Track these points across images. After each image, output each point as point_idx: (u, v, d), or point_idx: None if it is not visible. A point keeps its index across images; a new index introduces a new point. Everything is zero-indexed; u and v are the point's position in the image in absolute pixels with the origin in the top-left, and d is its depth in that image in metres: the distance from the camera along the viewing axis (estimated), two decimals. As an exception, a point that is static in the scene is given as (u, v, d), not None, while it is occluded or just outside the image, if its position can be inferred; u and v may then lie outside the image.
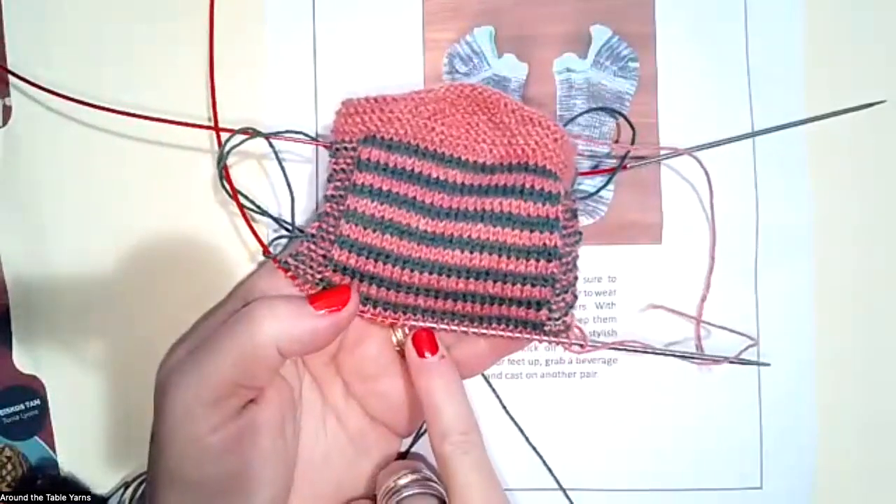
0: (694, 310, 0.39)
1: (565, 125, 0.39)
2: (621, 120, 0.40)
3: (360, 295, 0.34)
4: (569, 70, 0.40)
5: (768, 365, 0.39)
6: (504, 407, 0.40)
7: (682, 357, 0.38)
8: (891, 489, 0.40)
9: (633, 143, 0.39)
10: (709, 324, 0.39)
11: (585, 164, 0.40)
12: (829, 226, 0.40)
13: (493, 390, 0.40)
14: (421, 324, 0.35)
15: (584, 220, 0.40)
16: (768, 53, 0.40)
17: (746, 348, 0.38)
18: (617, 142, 0.40)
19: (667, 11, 0.40)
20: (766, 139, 0.39)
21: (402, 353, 0.36)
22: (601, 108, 0.40)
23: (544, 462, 0.40)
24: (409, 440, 0.39)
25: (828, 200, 0.40)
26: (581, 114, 0.39)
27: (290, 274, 0.35)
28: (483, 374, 0.40)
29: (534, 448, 0.40)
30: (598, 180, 0.39)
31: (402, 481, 0.34)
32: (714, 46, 0.40)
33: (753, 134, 0.39)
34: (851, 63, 0.40)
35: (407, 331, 0.35)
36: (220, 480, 0.32)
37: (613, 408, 0.40)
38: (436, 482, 0.35)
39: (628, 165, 0.39)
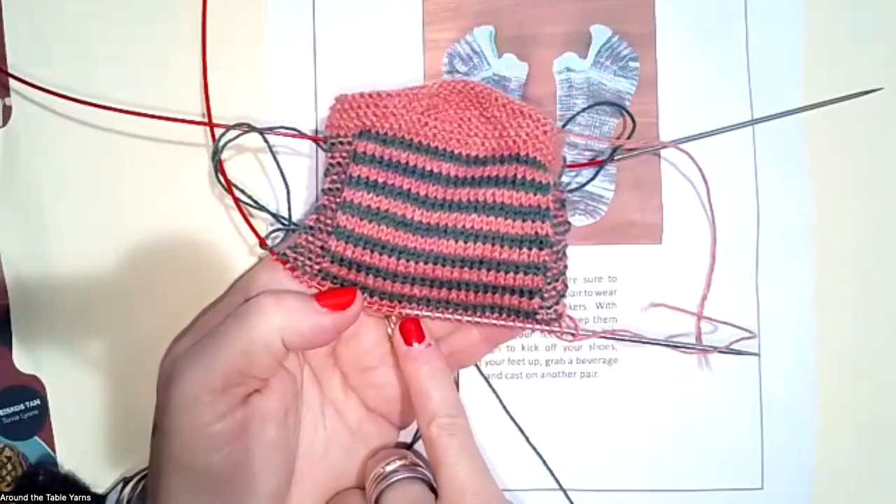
0: (695, 309, 0.39)
1: (565, 124, 0.39)
2: (621, 120, 0.40)
3: (357, 285, 0.35)
4: (569, 70, 0.40)
5: (757, 355, 0.39)
6: (504, 407, 0.40)
7: (674, 347, 0.38)
8: (891, 489, 0.40)
9: (630, 136, 0.39)
10: (709, 319, 0.39)
11: (585, 164, 0.40)
12: (829, 224, 0.39)
13: (493, 390, 0.40)
14: (416, 312, 0.35)
15: (584, 220, 0.40)
16: (768, 53, 0.40)
17: (739, 339, 0.38)
18: (618, 139, 0.40)
19: (667, 11, 0.40)
20: (767, 137, 0.39)
21: None
22: (602, 103, 0.39)
23: (544, 462, 0.40)
24: (410, 439, 0.40)
25: (828, 198, 0.40)
26: (582, 110, 0.39)
27: (288, 266, 0.35)
28: (483, 375, 0.40)
29: (534, 448, 0.40)
30: (592, 174, 0.39)
31: (390, 467, 0.35)
32: (714, 46, 0.40)
33: (752, 122, 0.39)
34: (852, 64, 0.40)
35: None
36: (225, 469, 0.32)
37: (613, 408, 0.40)
38: (423, 467, 0.35)
39: (617, 158, 0.39)
